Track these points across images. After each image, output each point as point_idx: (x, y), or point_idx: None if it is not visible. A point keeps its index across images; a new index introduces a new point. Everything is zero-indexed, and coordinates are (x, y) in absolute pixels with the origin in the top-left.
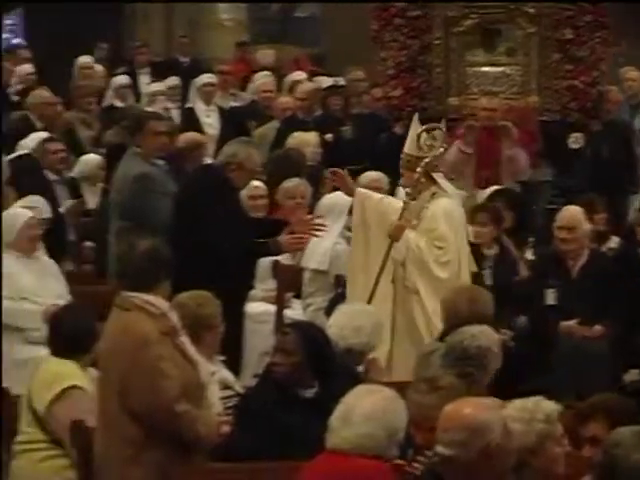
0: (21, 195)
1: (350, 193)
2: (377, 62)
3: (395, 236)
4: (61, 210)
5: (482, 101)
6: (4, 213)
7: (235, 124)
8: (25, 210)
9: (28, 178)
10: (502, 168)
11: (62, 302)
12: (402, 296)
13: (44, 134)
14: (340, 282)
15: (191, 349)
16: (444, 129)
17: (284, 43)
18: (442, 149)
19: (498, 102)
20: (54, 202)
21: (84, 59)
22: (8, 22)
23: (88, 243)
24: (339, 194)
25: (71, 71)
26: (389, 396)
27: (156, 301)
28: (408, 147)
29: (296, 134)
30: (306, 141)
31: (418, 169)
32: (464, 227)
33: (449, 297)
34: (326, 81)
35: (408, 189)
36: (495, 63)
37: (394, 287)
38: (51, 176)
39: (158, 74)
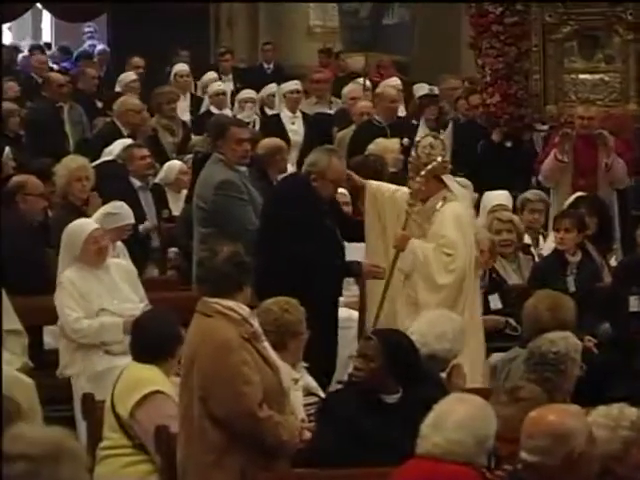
0: (105, 201)
1: (361, 187)
2: (468, 69)
3: (400, 246)
4: (146, 221)
5: (579, 109)
6: (69, 226)
7: (320, 131)
8: (89, 221)
9: (113, 184)
10: (599, 177)
11: (138, 309)
12: (400, 312)
13: (129, 141)
14: None
15: (272, 354)
16: (441, 139)
17: (375, 51)
18: (441, 157)
19: (596, 110)
20: (139, 208)
21: (181, 67)
22: (86, 29)
23: (172, 249)
24: None
25: (154, 77)
26: (480, 404)
27: (237, 307)
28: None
29: (378, 140)
30: (387, 147)
31: (418, 178)
32: (472, 230)
33: (531, 303)
34: (421, 89)
35: (409, 198)
36: (593, 70)
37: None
38: (136, 182)
39: (242, 81)
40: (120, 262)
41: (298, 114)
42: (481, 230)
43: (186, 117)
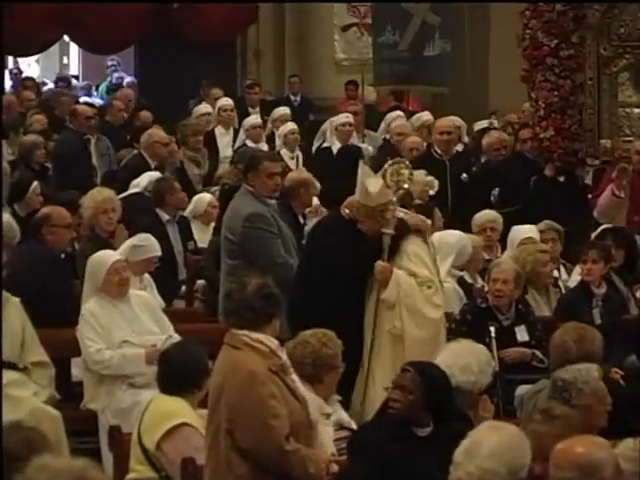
0: (132, 234)
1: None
2: (496, 101)
3: (383, 278)
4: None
5: (635, 144)
6: (92, 257)
7: (347, 164)
8: (112, 253)
9: (140, 216)
10: None
11: (160, 341)
12: (379, 342)
13: (157, 173)
14: (447, 319)
15: (300, 387)
16: (410, 166)
17: (415, 83)
18: (406, 185)
19: None
20: (166, 241)
21: (225, 101)
22: (110, 62)
23: (199, 282)
24: (448, 232)
25: (179, 109)
26: (514, 433)
27: (265, 339)
28: (359, 196)
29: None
30: (417, 180)
31: (388, 214)
32: (436, 262)
33: (557, 335)
34: (479, 123)
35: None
36: None
37: (373, 334)
38: (164, 215)
39: (269, 113)
40: (142, 294)
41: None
42: (507, 260)
43: (229, 152)
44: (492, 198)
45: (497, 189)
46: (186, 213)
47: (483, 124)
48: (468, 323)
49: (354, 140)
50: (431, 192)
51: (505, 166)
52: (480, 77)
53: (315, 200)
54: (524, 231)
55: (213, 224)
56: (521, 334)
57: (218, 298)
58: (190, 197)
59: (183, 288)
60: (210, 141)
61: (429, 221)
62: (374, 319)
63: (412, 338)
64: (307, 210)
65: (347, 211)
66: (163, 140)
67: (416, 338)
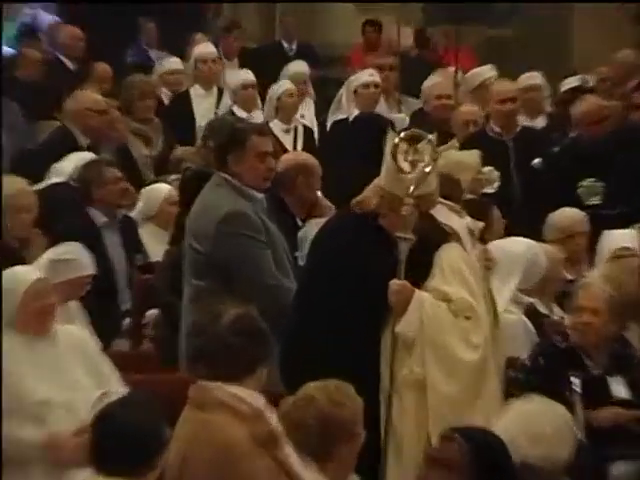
0: (53, 242)
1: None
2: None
3: (400, 302)
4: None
5: None
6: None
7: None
8: (29, 270)
9: (65, 218)
10: None
11: (99, 400)
12: (399, 395)
13: (89, 154)
14: (511, 366)
15: (296, 463)
16: (434, 141)
17: (465, 24)
18: (429, 169)
19: None
20: (102, 253)
21: (203, 49)
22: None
23: (151, 312)
24: (512, 241)
25: (118, 65)
26: None
27: (248, 396)
28: (386, 179)
29: (453, 153)
30: (463, 163)
31: (403, 210)
32: (481, 280)
33: None
34: (567, 82)
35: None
36: None
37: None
38: (99, 216)
39: (253, 67)
40: (72, 330)
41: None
42: (597, 281)
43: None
44: (582, 193)
45: (589, 180)
46: (133, 213)
47: (572, 83)
48: (541, 371)
49: (382, 108)
50: (490, 189)
51: (606, 147)
52: (561, 17)
53: (319, 195)
54: (619, 238)
55: (171, 229)
56: (618, 388)
57: (177, 335)
58: (138, 189)
59: (127, 321)
60: (183, 106)
61: (480, 224)
62: (391, 362)
63: (438, 391)
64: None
65: (359, 209)
66: (97, 106)
67: (443, 391)
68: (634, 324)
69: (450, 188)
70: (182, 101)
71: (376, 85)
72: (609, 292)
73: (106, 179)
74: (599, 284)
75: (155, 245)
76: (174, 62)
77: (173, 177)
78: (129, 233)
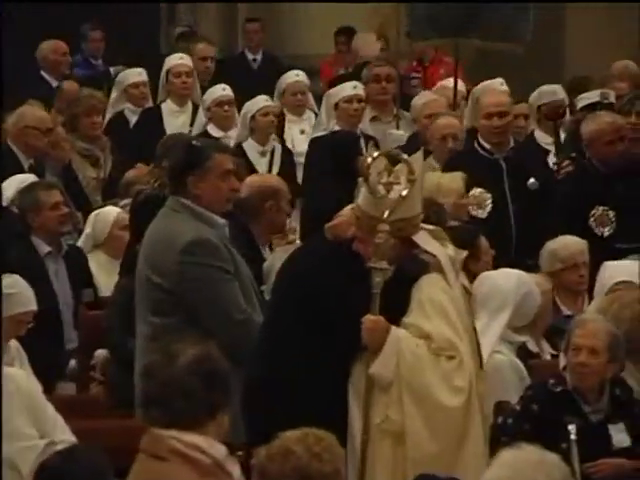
0: None
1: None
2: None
3: (374, 341)
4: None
5: None
6: None
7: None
8: None
9: (4, 246)
10: None
11: (38, 449)
12: (373, 444)
13: (31, 176)
14: (501, 411)
15: None
16: (411, 161)
17: (468, 36)
18: (405, 192)
19: None
20: (46, 287)
21: (177, 60)
22: None
23: (99, 352)
24: (502, 273)
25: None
26: None
27: (208, 445)
28: (361, 201)
29: (433, 175)
30: (443, 187)
31: (377, 237)
32: (466, 315)
33: None
34: (586, 97)
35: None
36: None
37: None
38: (42, 245)
39: (213, 80)
40: (12, 373)
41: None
42: (595, 317)
43: None
44: (593, 223)
45: (602, 208)
46: (80, 241)
47: (590, 98)
48: (533, 418)
49: (377, 124)
50: (480, 212)
51: (619, 170)
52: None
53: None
54: (619, 271)
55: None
56: (619, 436)
57: (130, 379)
58: (85, 214)
59: (73, 363)
60: (153, 123)
61: (464, 253)
62: (365, 407)
63: (418, 442)
64: (275, 237)
65: (331, 234)
66: (42, 124)
67: (424, 442)
68: (630, 364)
69: (434, 214)
70: (152, 117)
71: (359, 100)
72: (610, 330)
73: (42, 204)
74: (597, 320)
75: (105, 277)
76: (137, 73)
77: (124, 202)
78: (76, 264)
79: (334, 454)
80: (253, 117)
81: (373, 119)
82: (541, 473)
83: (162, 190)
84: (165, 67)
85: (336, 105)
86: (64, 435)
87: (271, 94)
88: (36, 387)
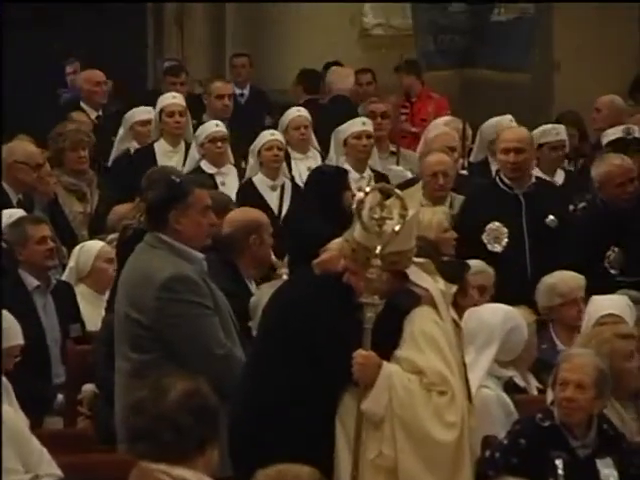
0: None
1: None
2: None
3: (365, 377)
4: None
5: None
6: None
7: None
8: None
9: None
10: None
11: None
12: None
13: (20, 212)
14: (489, 445)
15: None
16: (403, 196)
17: (477, 65)
18: (398, 227)
19: None
20: (33, 321)
21: (171, 100)
22: None
23: (86, 386)
24: (489, 308)
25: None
26: None
27: (196, 478)
28: (357, 233)
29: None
30: (424, 223)
31: (369, 272)
32: (457, 348)
33: None
34: (610, 134)
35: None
36: None
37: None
38: (30, 280)
39: (199, 113)
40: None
41: (367, 173)
42: (583, 351)
43: None
44: (608, 265)
45: (616, 249)
46: (64, 275)
47: (614, 134)
48: (521, 452)
49: (375, 162)
50: (496, 247)
51: (630, 212)
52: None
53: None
54: (606, 304)
55: (109, 294)
56: (606, 471)
57: (114, 414)
58: (70, 249)
59: (60, 397)
60: (147, 162)
61: (454, 287)
62: (355, 443)
63: (411, 475)
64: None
65: (320, 269)
66: (32, 159)
67: (417, 475)
68: (613, 400)
69: (431, 250)
70: (146, 156)
71: (368, 135)
72: (595, 364)
73: (30, 238)
74: (584, 355)
75: (89, 310)
76: (146, 111)
77: (111, 236)
78: (65, 299)
79: None
80: (259, 152)
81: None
82: None
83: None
84: (158, 106)
85: (345, 141)
86: (50, 469)
87: (259, 128)
88: (22, 421)
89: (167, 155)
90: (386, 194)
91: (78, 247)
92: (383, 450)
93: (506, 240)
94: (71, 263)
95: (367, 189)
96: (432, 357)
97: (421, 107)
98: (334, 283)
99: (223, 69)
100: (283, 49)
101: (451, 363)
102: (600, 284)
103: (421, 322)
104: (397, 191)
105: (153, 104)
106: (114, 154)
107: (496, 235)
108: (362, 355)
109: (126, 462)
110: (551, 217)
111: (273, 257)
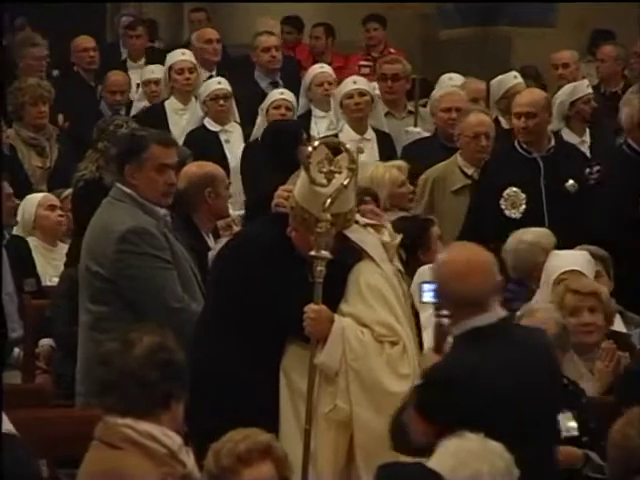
0: None
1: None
2: None
3: (317, 331)
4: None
5: None
6: None
7: None
8: None
9: None
10: None
11: None
12: (317, 435)
13: None
14: None
15: None
16: (352, 150)
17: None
18: (347, 181)
19: None
20: None
21: (180, 56)
22: None
23: (44, 341)
24: None
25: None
26: None
27: (162, 434)
28: (298, 192)
29: (369, 166)
30: (377, 179)
31: (318, 227)
32: (404, 298)
33: (619, 429)
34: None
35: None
36: None
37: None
38: None
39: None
40: None
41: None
42: (544, 307)
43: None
44: None
45: None
46: (15, 231)
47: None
48: None
49: (380, 121)
50: (513, 212)
51: None
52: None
53: (232, 209)
54: (567, 260)
55: (64, 246)
56: (567, 425)
57: (75, 367)
58: None
59: (17, 352)
60: (157, 122)
61: (398, 239)
62: (308, 397)
63: (366, 428)
64: (220, 224)
65: (282, 202)
66: None
67: (371, 426)
68: (579, 358)
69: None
70: (156, 115)
71: (361, 93)
72: (558, 320)
73: None
74: (547, 310)
75: (43, 264)
76: (150, 71)
77: (69, 191)
78: (20, 254)
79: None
80: (267, 111)
81: (387, 114)
82: (484, 462)
83: (100, 173)
84: (167, 63)
85: (341, 103)
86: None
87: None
88: None
89: (178, 113)
90: (335, 148)
91: (23, 202)
92: (338, 403)
93: (524, 206)
94: (18, 217)
95: (315, 143)
96: (380, 309)
97: None
98: (284, 236)
99: (181, 24)
100: (241, 4)
101: (399, 314)
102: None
103: (366, 275)
104: (346, 145)
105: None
106: (133, 112)
107: (514, 201)
108: (314, 309)
109: (84, 417)
110: (571, 181)
111: (231, 211)
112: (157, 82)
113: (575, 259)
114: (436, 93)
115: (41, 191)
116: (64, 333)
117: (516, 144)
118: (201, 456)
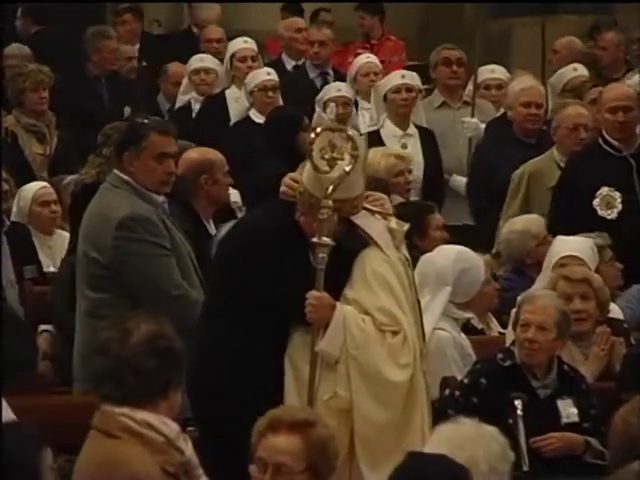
0: None
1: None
2: None
3: (319, 318)
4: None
5: None
6: None
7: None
8: None
9: None
10: None
11: None
12: None
13: None
14: (448, 385)
15: None
16: (354, 135)
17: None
18: (349, 168)
19: None
20: None
21: (242, 44)
22: None
23: (44, 327)
24: (443, 250)
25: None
26: None
27: (160, 423)
28: (305, 178)
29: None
30: (377, 164)
31: (320, 213)
32: (409, 286)
33: (621, 415)
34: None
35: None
36: None
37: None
38: None
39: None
40: None
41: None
42: (545, 293)
43: None
44: None
45: None
46: (14, 217)
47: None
48: (481, 392)
49: (420, 118)
50: (608, 213)
51: None
52: None
53: (235, 194)
54: (568, 246)
55: (65, 235)
56: (567, 411)
57: (73, 355)
58: None
59: None
60: (217, 111)
61: (406, 226)
62: (310, 384)
63: (365, 416)
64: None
65: (287, 191)
66: None
67: (372, 416)
68: (573, 344)
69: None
70: (217, 105)
71: (408, 89)
72: (559, 306)
73: None
74: (546, 296)
75: (49, 254)
76: (199, 59)
77: (70, 178)
78: (20, 242)
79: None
80: (252, 92)
81: (441, 105)
82: (479, 447)
83: (101, 179)
84: (229, 51)
85: (385, 96)
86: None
87: None
88: None
89: (238, 102)
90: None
91: (19, 191)
92: (338, 391)
93: (620, 206)
94: (14, 208)
95: (318, 130)
96: (383, 297)
97: (378, 50)
98: (291, 219)
99: (181, 10)
100: None
101: (402, 302)
102: None
103: (372, 262)
104: (349, 132)
105: None
106: (177, 104)
107: (608, 201)
108: (315, 296)
109: (84, 404)
110: None
111: (233, 197)
112: (207, 71)
113: (577, 245)
114: (515, 86)
115: (42, 178)
116: (65, 319)
117: (600, 141)
118: (205, 441)
